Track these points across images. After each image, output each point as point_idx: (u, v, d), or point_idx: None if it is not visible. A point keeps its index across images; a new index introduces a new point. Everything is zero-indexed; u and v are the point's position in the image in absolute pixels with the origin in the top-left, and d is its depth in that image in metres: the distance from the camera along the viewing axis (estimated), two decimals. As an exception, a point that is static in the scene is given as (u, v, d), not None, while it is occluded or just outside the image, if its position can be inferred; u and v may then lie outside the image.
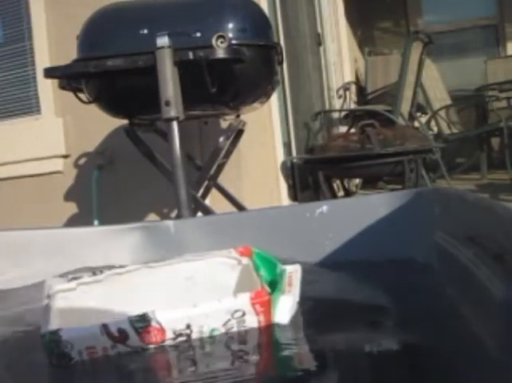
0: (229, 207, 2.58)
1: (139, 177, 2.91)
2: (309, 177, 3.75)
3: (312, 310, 0.79)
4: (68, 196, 3.22)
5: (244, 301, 0.69)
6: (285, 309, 0.72)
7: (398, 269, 0.96)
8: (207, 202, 2.52)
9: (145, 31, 2.08)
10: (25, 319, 0.84)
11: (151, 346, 0.68)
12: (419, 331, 0.70)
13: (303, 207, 1.27)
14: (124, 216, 2.84)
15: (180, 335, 0.69)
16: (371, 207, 1.08)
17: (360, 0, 6.33)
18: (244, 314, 0.69)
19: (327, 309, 0.81)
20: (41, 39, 3.29)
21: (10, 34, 3.49)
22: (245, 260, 0.80)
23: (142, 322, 0.67)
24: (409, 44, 4.52)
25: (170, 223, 1.13)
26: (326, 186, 3.65)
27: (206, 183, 2.48)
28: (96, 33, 2.20)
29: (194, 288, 0.81)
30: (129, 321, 0.67)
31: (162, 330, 0.68)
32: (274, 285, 0.75)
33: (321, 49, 4.97)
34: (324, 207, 1.09)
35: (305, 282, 0.79)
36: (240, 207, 2.54)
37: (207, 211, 2.28)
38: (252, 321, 0.70)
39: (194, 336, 0.69)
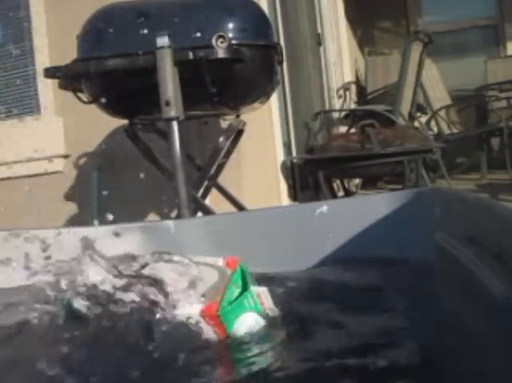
0: (229, 207, 2.57)
1: (139, 177, 2.91)
2: (309, 177, 3.75)
3: (308, 310, 0.79)
4: (68, 196, 3.22)
5: (195, 311, 0.76)
6: (245, 324, 0.76)
7: (398, 269, 0.96)
8: (207, 202, 2.52)
9: (145, 31, 2.08)
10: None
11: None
12: (419, 331, 0.70)
13: (303, 207, 1.27)
14: (124, 216, 2.83)
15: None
16: (371, 207, 1.08)
17: (360, 0, 6.33)
18: (198, 323, 0.76)
19: (323, 310, 0.81)
20: (41, 39, 3.29)
21: (10, 34, 3.49)
22: (228, 271, 0.83)
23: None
24: (409, 44, 4.52)
25: (170, 223, 1.13)
26: (326, 186, 3.65)
27: (206, 183, 2.48)
28: (96, 33, 2.20)
29: (177, 286, 0.85)
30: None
31: None
32: (239, 302, 0.79)
33: (321, 49, 4.96)
34: (324, 207, 1.08)
35: (304, 282, 0.79)
36: (240, 207, 2.54)
37: (207, 211, 2.28)
38: (207, 330, 0.76)
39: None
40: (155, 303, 0.79)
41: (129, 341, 0.75)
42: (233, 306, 0.77)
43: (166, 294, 0.80)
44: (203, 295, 0.81)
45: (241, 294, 0.80)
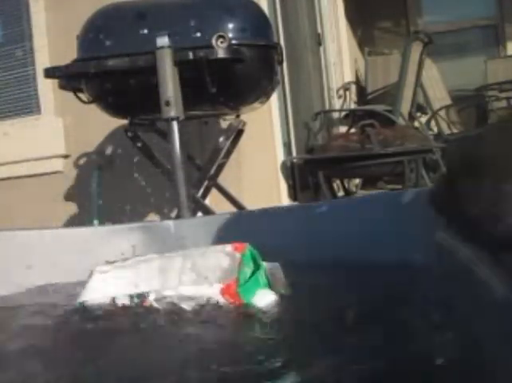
0: (229, 207, 2.57)
1: (139, 177, 2.91)
2: (309, 177, 3.75)
3: (305, 310, 0.79)
4: (69, 196, 3.22)
5: (215, 291, 0.78)
6: (259, 302, 0.79)
7: (398, 269, 0.96)
8: (207, 202, 2.52)
9: (145, 31, 2.08)
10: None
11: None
12: (419, 331, 0.70)
13: (303, 207, 1.27)
14: (124, 216, 2.84)
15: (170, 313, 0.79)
16: (371, 206, 1.08)
17: (360, 0, 6.33)
18: (218, 302, 0.78)
19: (320, 309, 0.81)
20: (41, 39, 3.29)
21: (10, 34, 3.49)
22: (237, 255, 0.85)
23: (138, 298, 0.80)
24: (409, 44, 4.52)
25: (170, 223, 1.13)
26: (326, 186, 3.65)
27: (206, 183, 2.48)
28: (96, 33, 2.20)
29: (192, 274, 0.88)
30: (129, 297, 0.80)
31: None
32: (254, 279, 0.83)
33: (321, 49, 4.97)
34: (324, 207, 1.08)
35: (303, 282, 0.79)
36: (240, 207, 2.54)
37: (207, 211, 2.28)
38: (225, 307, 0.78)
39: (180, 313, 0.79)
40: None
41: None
42: (249, 283, 0.81)
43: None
44: (218, 279, 0.83)
45: (254, 272, 0.83)
